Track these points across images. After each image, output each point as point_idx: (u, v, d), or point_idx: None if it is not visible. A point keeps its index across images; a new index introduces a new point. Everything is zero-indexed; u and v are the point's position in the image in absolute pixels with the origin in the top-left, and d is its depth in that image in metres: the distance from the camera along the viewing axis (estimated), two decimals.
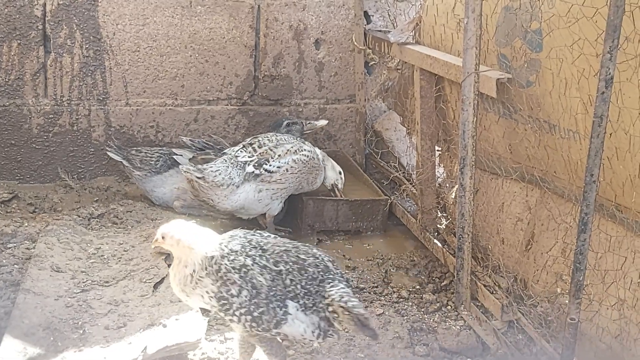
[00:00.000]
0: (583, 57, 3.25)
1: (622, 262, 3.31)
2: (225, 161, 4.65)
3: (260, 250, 3.00)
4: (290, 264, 2.99)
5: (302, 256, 3.03)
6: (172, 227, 3.03)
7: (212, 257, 2.97)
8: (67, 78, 5.09)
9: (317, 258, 3.06)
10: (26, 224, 4.60)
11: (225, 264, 2.94)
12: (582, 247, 3.02)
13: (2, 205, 4.85)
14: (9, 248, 4.29)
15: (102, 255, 4.28)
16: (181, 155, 4.91)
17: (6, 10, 4.89)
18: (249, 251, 2.98)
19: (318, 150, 5.01)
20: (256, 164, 4.66)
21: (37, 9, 4.94)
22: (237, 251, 2.98)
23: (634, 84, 3.01)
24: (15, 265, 4.10)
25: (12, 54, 4.96)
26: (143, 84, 5.23)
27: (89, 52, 5.08)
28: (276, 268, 2.97)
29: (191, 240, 2.98)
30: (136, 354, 3.33)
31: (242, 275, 2.93)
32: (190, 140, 5.06)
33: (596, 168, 2.92)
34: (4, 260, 4.14)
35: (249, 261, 2.95)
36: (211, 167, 4.62)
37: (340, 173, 5.04)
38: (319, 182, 4.94)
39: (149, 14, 5.13)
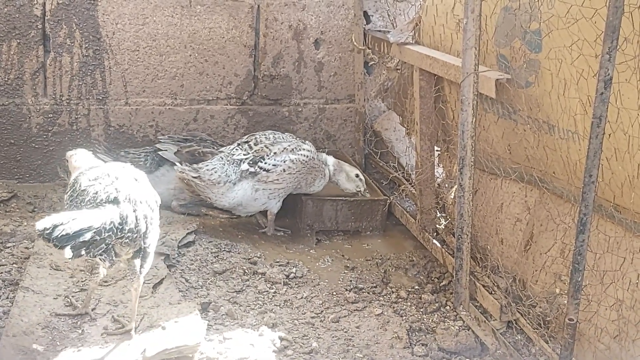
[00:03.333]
0: (582, 58, 3.25)
1: (620, 263, 3.31)
2: (222, 159, 4.67)
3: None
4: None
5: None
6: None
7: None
8: (66, 77, 5.09)
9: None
10: (25, 224, 4.60)
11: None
12: (581, 248, 3.02)
13: (1, 205, 4.85)
14: (8, 247, 4.29)
15: None
16: (166, 150, 4.92)
17: (6, 9, 4.88)
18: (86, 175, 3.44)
19: (331, 160, 4.99)
20: (251, 162, 4.67)
21: (36, 8, 4.93)
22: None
23: (633, 84, 3.01)
24: (14, 265, 4.10)
25: (12, 53, 4.96)
26: (142, 83, 5.23)
27: (88, 52, 5.08)
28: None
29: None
30: (135, 356, 3.33)
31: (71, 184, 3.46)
32: (169, 137, 5.09)
33: (595, 169, 2.92)
34: (3, 260, 4.14)
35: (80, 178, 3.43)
36: (207, 165, 4.65)
37: (357, 176, 5.02)
38: (317, 185, 4.92)
39: (149, 13, 5.13)
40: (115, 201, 3.24)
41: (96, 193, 3.27)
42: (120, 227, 3.18)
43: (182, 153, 4.86)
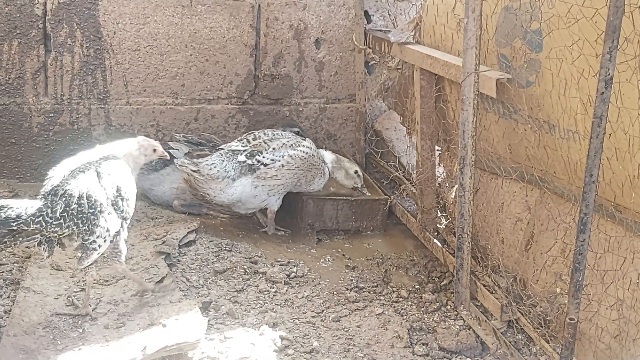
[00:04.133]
0: (583, 58, 3.25)
1: (621, 263, 3.31)
2: (221, 155, 4.69)
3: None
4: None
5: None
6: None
7: None
8: (67, 77, 5.09)
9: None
10: None
11: None
12: (582, 247, 3.02)
13: None
14: (9, 247, 4.29)
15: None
16: (177, 149, 4.93)
17: (7, 9, 4.89)
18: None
19: (329, 157, 4.99)
20: (248, 154, 4.68)
21: (37, 7, 4.94)
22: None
23: (634, 84, 3.02)
24: (15, 264, 4.11)
25: (13, 52, 4.97)
26: (143, 83, 5.23)
27: (89, 51, 5.09)
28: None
29: None
30: (136, 353, 3.34)
31: None
32: (183, 136, 5.09)
33: (595, 168, 2.92)
34: (4, 259, 4.14)
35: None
36: (206, 160, 4.67)
37: (356, 172, 5.04)
38: (317, 183, 4.93)
39: (150, 13, 5.13)
40: (52, 193, 3.42)
41: (47, 186, 3.48)
42: (43, 220, 3.33)
43: (193, 155, 4.86)
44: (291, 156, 4.73)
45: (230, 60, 5.36)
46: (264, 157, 4.69)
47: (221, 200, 4.73)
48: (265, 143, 4.74)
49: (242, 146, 4.73)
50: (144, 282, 3.83)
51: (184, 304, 3.73)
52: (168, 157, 4.04)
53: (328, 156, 5.01)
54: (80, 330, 3.56)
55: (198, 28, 5.24)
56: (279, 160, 4.70)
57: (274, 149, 4.72)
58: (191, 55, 5.27)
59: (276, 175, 4.71)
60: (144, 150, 3.85)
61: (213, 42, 5.29)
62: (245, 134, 4.91)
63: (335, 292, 4.21)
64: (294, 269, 4.38)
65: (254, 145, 4.73)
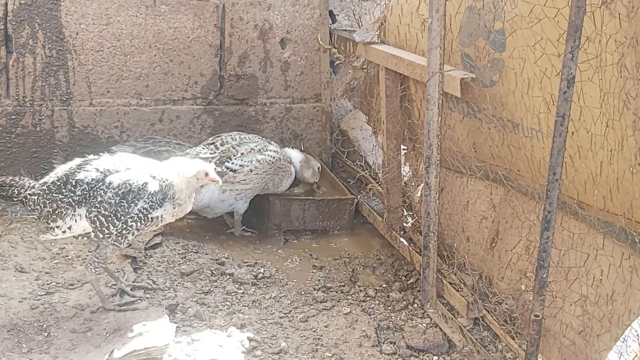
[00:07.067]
0: (545, 57, 3.28)
1: (584, 259, 3.35)
2: None
3: None
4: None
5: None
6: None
7: None
8: (29, 78, 5.02)
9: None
10: None
11: None
12: (546, 245, 3.06)
13: None
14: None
15: (66, 256, 4.24)
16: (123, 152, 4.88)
17: None
18: None
19: (297, 157, 4.99)
20: (218, 162, 4.65)
21: None
22: None
23: (595, 83, 3.05)
24: None
25: None
26: (107, 84, 5.18)
27: (51, 52, 5.02)
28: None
29: None
30: (103, 358, 3.31)
31: None
32: (129, 144, 5.04)
33: (559, 166, 2.96)
34: None
35: None
36: None
37: (319, 169, 5.09)
38: (284, 185, 4.92)
39: (113, 13, 5.08)
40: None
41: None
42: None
43: (138, 155, 4.82)
44: (259, 161, 4.71)
45: (195, 60, 5.33)
46: (232, 163, 4.67)
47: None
48: (234, 148, 4.72)
49: (210, 153, 4.69)
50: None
51: (152, 310, 3.71)
52: (220, 183, 3.85)
53: (296, 155, 5.00)
54: (46, 334, 3.52)
55: (162, 28, 5.21)
56: (247, 166, 4.69)
57: (242, 154, 4.70)
58: (155, 55, 5.23)
59: (244, 180, 4.70)
60: (199, 175, 3.68)
61: (177, 42, 5.26)
62: (212, 138, 4.86)
63: (302, 293, 4.21)
64: (261, 270, 4.37)
65: (222, 151, 4.70)
